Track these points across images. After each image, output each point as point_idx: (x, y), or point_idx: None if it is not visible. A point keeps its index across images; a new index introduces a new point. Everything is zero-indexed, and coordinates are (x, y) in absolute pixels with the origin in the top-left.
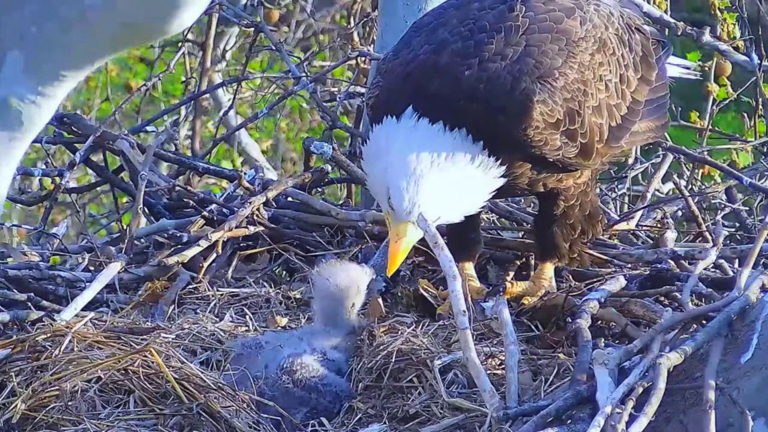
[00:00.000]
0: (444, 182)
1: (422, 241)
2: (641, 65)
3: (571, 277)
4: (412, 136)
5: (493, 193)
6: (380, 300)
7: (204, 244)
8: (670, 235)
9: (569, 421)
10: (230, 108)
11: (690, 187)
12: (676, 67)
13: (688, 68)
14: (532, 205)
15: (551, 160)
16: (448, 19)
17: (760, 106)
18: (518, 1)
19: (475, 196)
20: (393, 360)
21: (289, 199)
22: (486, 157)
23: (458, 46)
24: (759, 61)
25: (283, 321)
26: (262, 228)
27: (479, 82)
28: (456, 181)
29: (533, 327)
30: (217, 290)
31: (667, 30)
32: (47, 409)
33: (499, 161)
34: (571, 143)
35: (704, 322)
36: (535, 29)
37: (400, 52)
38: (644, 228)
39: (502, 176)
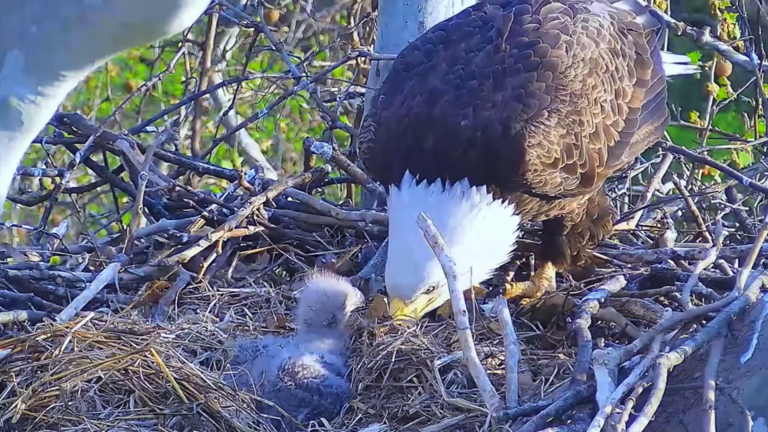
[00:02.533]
0: (465, 241)
1: None
2: (636, 68)
3: (571, 277)
4: (418, 204)
5: (516, 233)
6: (385, 299)
7: (204, 244)
8: (670, 235)
9: (569, 421)
10: (230, 108)
11: (690, 187)
12: (673, 66)
13: (685, 63)
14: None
15: (552, 195)
16: (437, 63)
17: (760, 106)
18: (503, 39)
19: (500, 242)
20: (393, 360)
21: (289, 199)
22: (492, 199)
23: (451, 96)
24: (759, 61)
25: (283, 321)
26: (262, 228)
27: (476, 131)
28: (475, 234)
29: (533, 327)
30: (217, 290)
31: (667, 30)
32: (47, 409)
33: (507, 200)
34: (572, 177)
35: (704, 322)
36: (520, 68)
37: (392, 98)
38: (644, 228)
39: (515, 214)
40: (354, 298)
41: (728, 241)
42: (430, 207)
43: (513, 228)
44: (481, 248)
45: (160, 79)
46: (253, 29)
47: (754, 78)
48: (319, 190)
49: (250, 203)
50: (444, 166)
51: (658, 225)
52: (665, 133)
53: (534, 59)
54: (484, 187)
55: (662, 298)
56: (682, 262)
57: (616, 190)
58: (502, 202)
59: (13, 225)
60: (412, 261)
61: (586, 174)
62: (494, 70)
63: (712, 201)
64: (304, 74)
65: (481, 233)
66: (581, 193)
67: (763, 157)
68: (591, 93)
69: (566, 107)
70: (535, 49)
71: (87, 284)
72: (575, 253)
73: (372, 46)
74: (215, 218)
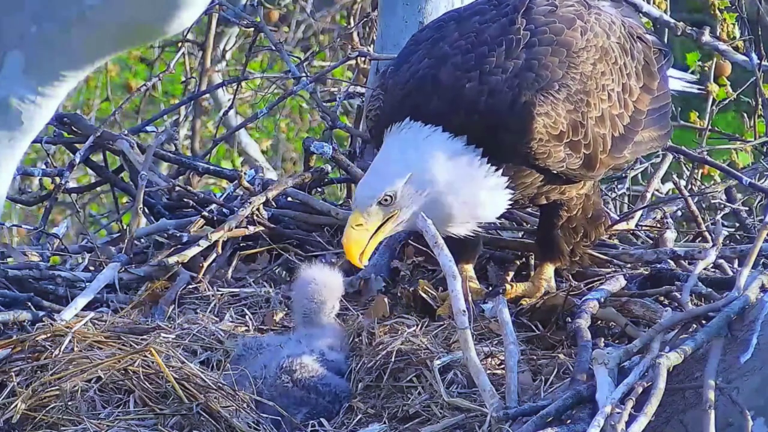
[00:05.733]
0: (448, 191)
1: (422, 240)
2: (643, 74)
3: (571, 277)
4: (414, 140)
5: (508, 207)
6: (386, 299)
7: (204, 244)
8: (670, 235)
9: (569, 421)
10: (230, 108)
11: (690, 187)
12: (678, 81)
13: (690, 82)
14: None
15: (555, 171)
16: (448, 33)
17: (760, 106)
18: (519, 14)
19: (484, 207)
20: (393, 360)
21: (289, 199)
22: (486, 164)
23: (459, 59)
24: (759, 61)
25: (279, 315)
26: (262, 228)
27: (480, 95)
28: (460, 190)
29: (533, 327)
30: (217, 290)
31: (666, 30)
32: (47, 409)
33: (502, 170)
34: (575, 154)
35: (704, 322)
36: (535, 42)
37: (399, 67)
38: (644, 228)
39: (509, 187)
40: (342, 287)
41: (728, 241)
42: (424, 145)
43: (502, 199)
44: (460, 208)
45: (160, 79)
46: (253, 29)
47: (754, 78)
48: (319, 190)
49: (250, 203)
50: (447, 121)
51: (658, 225)
52: (668, 141)
53: (549, 36)
54: (482, 149)
55: (662, 298)
56: (682, 262)
57: (616, 190)
58: (497, 170)
59: (13, 225)
60: (376, 173)
61: (590, 156)
62: (507, 40)
63: (712, 201)
64: (304, 74)
65: (461, 193)
66: (582, 177)
67: (763, 157)
68: (600, 78)
69: (576, 85)
70: (550, 27)
71: (87, 284)
72: (571, 248)
73: (372, 46)
74: (215, 218)
